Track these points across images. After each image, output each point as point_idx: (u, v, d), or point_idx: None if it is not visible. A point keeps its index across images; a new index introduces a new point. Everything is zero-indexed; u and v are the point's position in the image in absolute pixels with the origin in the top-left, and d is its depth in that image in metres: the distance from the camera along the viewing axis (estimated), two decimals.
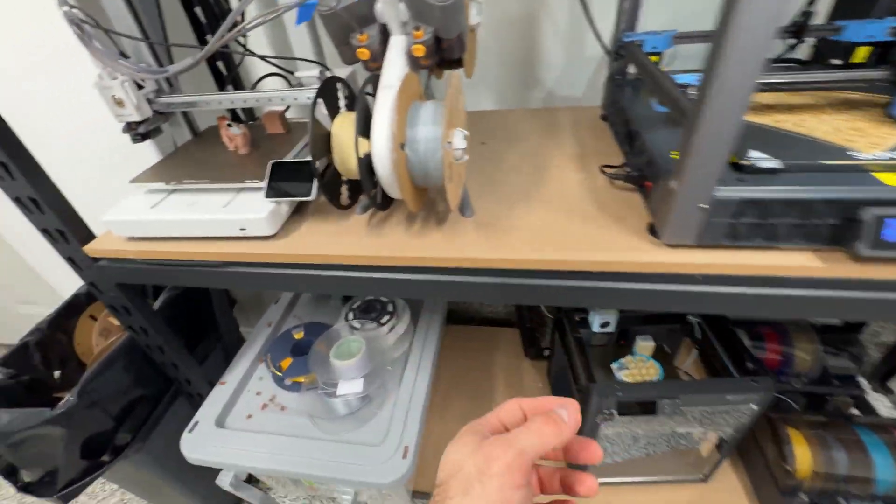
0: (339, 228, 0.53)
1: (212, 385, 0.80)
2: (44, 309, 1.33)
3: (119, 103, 0.57)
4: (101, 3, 0.54)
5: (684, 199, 0.38)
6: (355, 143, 0.42)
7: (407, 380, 0.76)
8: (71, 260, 0.58)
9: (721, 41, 0.30)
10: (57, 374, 0.77)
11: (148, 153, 0.82)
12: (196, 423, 0.74)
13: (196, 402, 0.80)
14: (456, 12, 0.40)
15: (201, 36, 0.77)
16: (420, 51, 0.42)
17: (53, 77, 0.84)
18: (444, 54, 0.45)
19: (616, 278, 0.44)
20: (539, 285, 0.45)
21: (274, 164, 0.52)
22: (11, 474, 0.66)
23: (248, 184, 0.53)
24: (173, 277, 0.56)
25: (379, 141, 0.41)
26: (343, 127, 0.45)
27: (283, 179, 0.52)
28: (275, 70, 0.72)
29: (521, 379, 1.03)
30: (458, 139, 0.41)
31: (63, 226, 0.54)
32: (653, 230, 0.45)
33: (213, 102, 0.60)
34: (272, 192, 0.51)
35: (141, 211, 0.54)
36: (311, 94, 0.56)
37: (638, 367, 0.80)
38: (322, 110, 0.48)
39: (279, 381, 0.79)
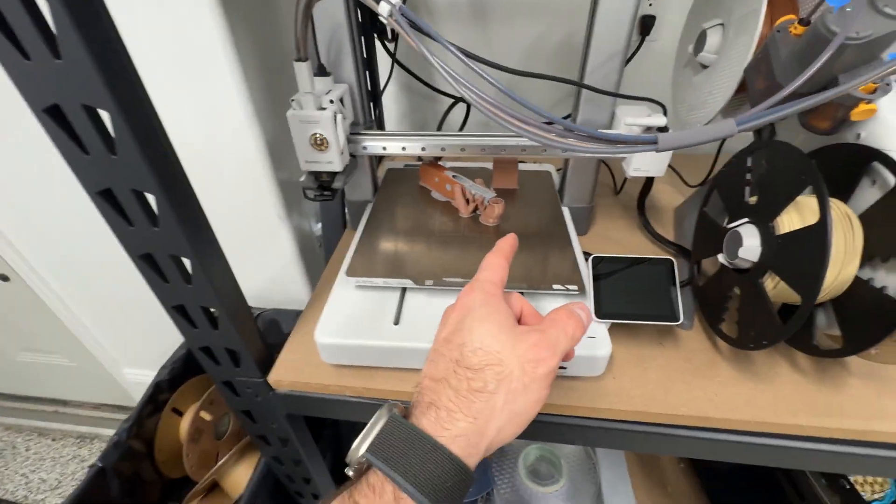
0: (675, 356, 0.34)
1: None
2: (56, 358, 1.04)
3: (320, 145, 0.37)
4: None
5: None
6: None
7: None
8: (228, 384, 0.37)
9: None
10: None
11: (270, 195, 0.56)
12: None
13: None
14: None
15: None
16: None
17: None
18: None
19: None
20: None
21: (595, 260, 0.33)
22: None
23: (557, 289, 0.33)
24: None
25: None
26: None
27: (607, 284, 0.33)
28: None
29: None
30: None
31: (239, 347, 0.33)
32: None
33: (468, 148, 0.40)
34: (609, 311, 0.32)
35: (381, 331, 0.33)
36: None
37: None
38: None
39: None
